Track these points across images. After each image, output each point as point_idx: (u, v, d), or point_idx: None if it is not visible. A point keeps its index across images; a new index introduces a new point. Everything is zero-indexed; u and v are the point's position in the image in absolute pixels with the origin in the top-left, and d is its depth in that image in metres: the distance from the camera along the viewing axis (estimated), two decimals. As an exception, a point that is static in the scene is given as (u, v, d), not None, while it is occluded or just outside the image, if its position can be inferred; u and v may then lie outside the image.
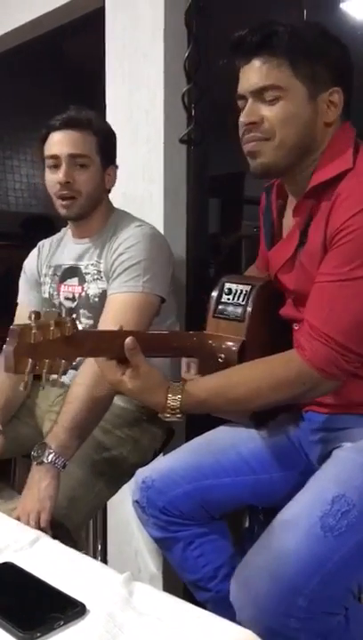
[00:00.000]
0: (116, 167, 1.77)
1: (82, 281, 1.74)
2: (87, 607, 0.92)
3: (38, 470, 1.40)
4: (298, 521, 1.15)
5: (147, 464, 1.64)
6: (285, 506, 1.21)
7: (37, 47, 2.95)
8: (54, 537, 1.31)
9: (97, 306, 1.69)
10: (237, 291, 1.34)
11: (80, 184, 1.66)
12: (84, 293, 1.73)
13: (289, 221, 1.36)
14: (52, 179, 1.67)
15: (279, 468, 1.40)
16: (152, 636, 0.87)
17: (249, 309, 1.31)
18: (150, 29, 2.02)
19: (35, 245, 1.94)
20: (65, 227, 1.88)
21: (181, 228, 2.09)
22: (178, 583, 1.74)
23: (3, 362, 1.00)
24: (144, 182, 2.07)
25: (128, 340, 1.14)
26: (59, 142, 1.65)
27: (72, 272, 1.77)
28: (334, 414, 1.33)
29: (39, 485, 1.38)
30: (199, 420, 1.96)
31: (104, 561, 2.05)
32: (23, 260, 1.94)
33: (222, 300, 1.34)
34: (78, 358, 1.67)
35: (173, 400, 1.18)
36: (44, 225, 2.60)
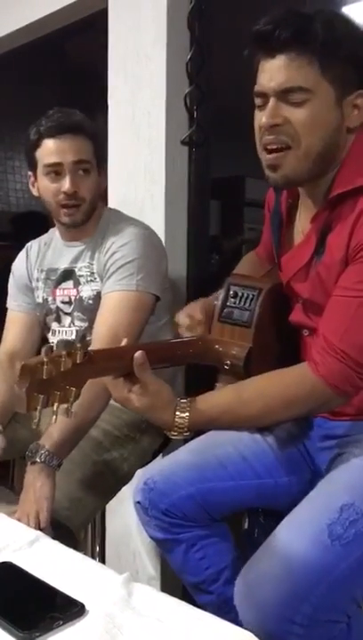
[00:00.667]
0: (106, 167, 1.75)
1: (76, 283, 1.73)
2: (86, 607, 0.92)
3: (32, 470, 1.40)
4: (305, 528, 1.13)
5: (146, 465, 1.64)
6: (291, 510, 1.19)
7: (40, 48, 2.96)
8: (56, 538, 1.32)
9: (91, 308, 1.68)
10: (243, 294, 1.31)
11: (84, 191, 1.64)
12: (78, 296, 1.72)
13: (303, 224, 1.32)
14: (55, 188, 1.63)
15: (284, 473, 1.38)
16: (151, 637, 0.86)
17: (256, 314, 1.28)
18: (153, 31, 2.02)
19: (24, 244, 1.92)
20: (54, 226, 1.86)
21: (182, 230, 2.09)
22: (176, 585, 1.74)
23: (15, 401, 0.98)
24: (146, 183, 2.07)
25: (138, 354, 1.11)
26: (59, 150, 1.61)
27: (67, 275, 1.75)
28: (344, 421, 1.32)
29: (34, 486, 1.38)
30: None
31: (102, 562, 2.05)
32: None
33: (228, 304, 1.31)
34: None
35: (181, 418, 1.16)
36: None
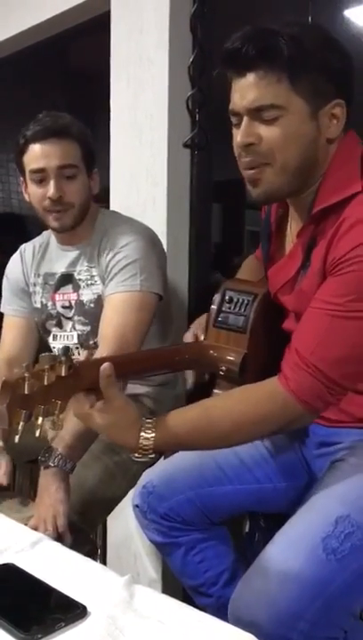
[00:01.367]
0: (97, 170, 1.70)
1: (76, 287, 1.71)
2: (88, 609, 0.91)
3: (45, 475, 1.40)
4: (300, 542, 1.11)
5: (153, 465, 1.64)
6: (287, 521, 1.17)
7: (42, 51, 2.96)
8: (74, 541, 1.32)
9: (92, 311, 1.68)
10: (238, 300, 1.29)
11: (71, 196, 1.61)
12: (78, 300, 1.71)
13: (293, 236, 1.29)
14: (41, 193, 1.60)
15: (283, 479, 1.38)
16: (153, 639, 0.86)
17: (251, 320, 1.27)
18: (155, 34, 2.03)
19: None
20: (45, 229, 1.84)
21: (184, 233, 2.10)
22: (177, 588, 1.74)
23: None
24: (148, 186, 2.07)
25: (105, 365, 1.06)
26: (44, 155, 1.58)
27: (66, 280, 1.74)
28: (338, 428, 1.30)
29: (49, 490, 1.37)
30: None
31: (103, 565, 2.04)
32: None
33: (223, 309, 1.29)
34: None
35: (146, 439, 1.10)
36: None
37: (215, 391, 1.34)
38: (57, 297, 1.75)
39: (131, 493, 1.58)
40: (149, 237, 1.68)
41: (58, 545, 1.15)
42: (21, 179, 1.69)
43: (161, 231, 1.93)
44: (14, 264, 1.85)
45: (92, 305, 1.68)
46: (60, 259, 1.76)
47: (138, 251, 1.60)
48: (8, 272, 1.86)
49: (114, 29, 2.18)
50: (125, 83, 2.14)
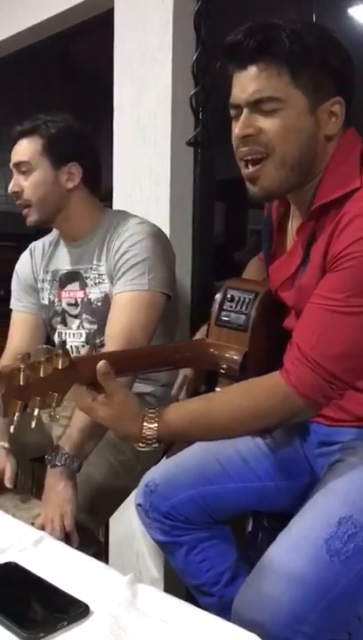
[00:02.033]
0: (75, 164, 1.66)
1: (83, 285, 1.72)
2: (91, 608, 0.91)
3: (53, 474, 1.39)
4: (303, 544, 1.10)
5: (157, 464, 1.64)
6: (289, 522, 1.17)
7: (45, 50, 2.96)
8: (81, 542, 1.32)
9: (99, 310, 1.68)
10: (239, 298, 1.29)
11: (27, 191, 1.64)
12: (86, 298, 1.71)
13: (292, 233, 1.30)
14: None
15: (285, 477, 1.38)
16: (156, 638, 0.86)
17: (252, 318, 1.27)
18: (159, 32, 2.02)
19: None
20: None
21: (187, 231, 2.10)
22: (179, 587, 1.74)
23: None
24: (151, 184, 2.07)
25: (101, 364, 1.08)
26: (11, 156, 1.68)
27: (72, 277, 1.74)
28: (340, 427, 1.30)
29: (56, 490, 1.37)
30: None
31: (105, 563, 2.04)
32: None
33: (225, 308, 1.30)
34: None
35: (149, 429, 1.12)
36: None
37: (217, 389, 1.34)
38: (63, 294, 1.76)
39: (133, 492, 1.57)
40: (158, 236, 1.68)
41: (60, 543, 1.15)
42: None
43: (164, 229, 1.91)
44: (24, 261, 1.87)
45: (99, 304, 1.68)
46: (66, 256, 1.77)
47: (147, 250, 1.60)
48: (18, 269, 1.88)
49: (117, 28, 2.18)
50: (129, 81, 2.13)
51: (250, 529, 1.60)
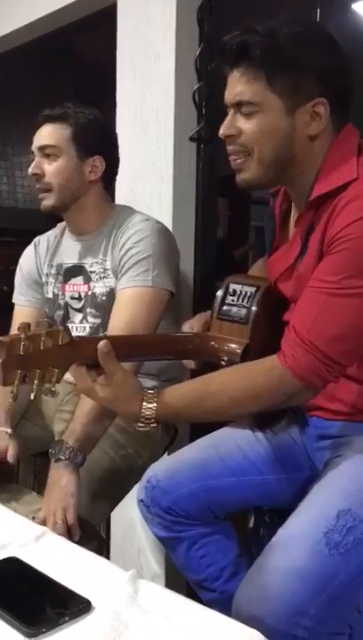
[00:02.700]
0: (100, 158, 1.68)
1: (87, 279, 1.72)
2: (92, 604, 0.91)
3: (57, 468, 1.40)
4: (302, 538, 1.11)
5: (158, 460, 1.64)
6: (289, 517, 1.17)
7: (49, 44, 2.95)
8: (82, 536, 1.33)
9: (104, 304, 1.68)
10: (241, 292, 1.31)
11: (49, 175, 1.64)
12: (90, 292, 1.71)
13: (292, 230, 1.33)
14: None
15: (286, 471, 1.38)
16: (158, 634, 0.86)
17: (253, 312, 1.28)
18: (162, 27, 2.02)
19: None
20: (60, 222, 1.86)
21: (189, 227, 2.09)
22: (181, 583, 1.74)
23: None
24: (154, 180, 2.07)
25: (102, 343, 1.10)
26: (35, 139, 1.67)
27: (76, 271, 1.75)
28: (339, 421, 1.31)
29: (59, 484, 1.38)
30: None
31: (106, 559, 2.05)
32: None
33: (227, 301, 1.31)
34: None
35: (148, 409, 1.14)
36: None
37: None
38: (67, 287, 1.76)
39: (135, 488, 1.58)
40: (163, 233, 1.68)
41: (62, 539, 1.15)
42: None
43: (167, 225, 1.91)
44: (28, 255, 1.87)
45: (103, 298, 1.68)
46: (72, 249, 1.77)
47: (152, 246, 1.61)
48: (22, 263, 1.88)
49: (120, 22, 2.17)
50: (132, 76, 2.13)
51: (251, 525, 1.60)
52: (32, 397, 1.03)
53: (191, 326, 1.38)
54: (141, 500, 1.43)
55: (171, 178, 2.02)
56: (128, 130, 2.12)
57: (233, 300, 1.30)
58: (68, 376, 1.77)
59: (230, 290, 1.32)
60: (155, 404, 1.14)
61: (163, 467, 1.44)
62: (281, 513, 1.25)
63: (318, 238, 1.16)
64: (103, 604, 0.91)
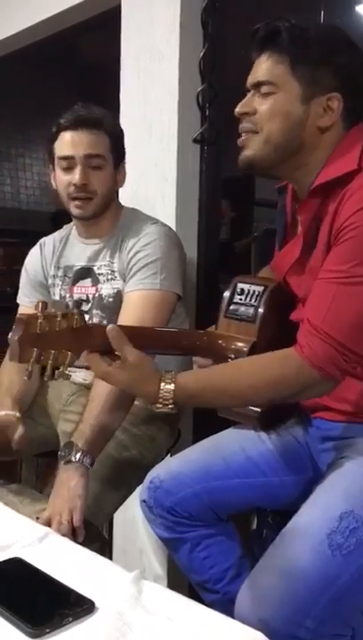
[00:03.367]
0: (125, 164, 1.74)
1: (95, 282, 1.72)
2: (96, 604, 0.91)
3: (66, 469, 1.40)
4: (305, 539, 1.11)
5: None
6: (292, 519, 1.18)
7: (53, 46, 2.96)
8: (85, 537, 1.32)
9: (111, 306, 1.68)
10: (249, 291, 1.31)
11: (95, 185, 1.64)
12: (97, 294, 1.71)
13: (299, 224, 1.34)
14: (66, 180, 1.64)
15: (289, 472, 1.38)
16: (161, 635, 0.86)
17: (261, 311, 1.28)
18: (166, 28, 2.02)
19: None
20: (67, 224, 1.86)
21: (193, 228, 2.09)
22: (183, 584, 1.74)
23: (8, 350, 1.00)
24: (157, 181, 2.07)
25: (110, 327, 1.11)
26: (73, 143, 1.62)
27: (85, 273, 1.75)
28: (343, 422, 1.31)
29: (68, 484, 1.37)
30: (207, 422, 1.96)
31: (109, 559, 2.04)
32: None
33: (234, 301, 1.32)
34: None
35: (167, 391, 1.13)
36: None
37: None
38: (75, 289, 1.76)
39: (137, 489, 1.58)
40: (171, 237, 1.69)
41: (65, 540, 1.15)
42: (50, 166, 1.72)
43: (170, 227, 1.92)
44: (34, 257, 1.87)
45: (110, 299, 1.69)
46: (81, 252, 1.77)
47: (159, 250, 1.62)
48: (27, 264, 1.88)
49: (124, 23, 2.17)
50: (135, 77, 2.13)
51: (254, 526, 1.60)
52: (45, 379, 1.03)
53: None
54: (144, 501, 1.43)
55: (174, 179, 2.03)
56: (132, 131, 2.12)
57: (241, 299, 1.31)
58: (73, 376, 1.79)
59: (238, 289, 1.33)
60: (173, 386, 1.13)
61: (166, 468, 1.44)
62: (284, 514, 1.25)
63: (326, 230, 1.18)
64: (107, 604, 0.92)
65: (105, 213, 1.71)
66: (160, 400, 1.14)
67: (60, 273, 1.80)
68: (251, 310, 1.29)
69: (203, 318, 2.03)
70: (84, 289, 1.74)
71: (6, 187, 4.20)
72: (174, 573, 2.05)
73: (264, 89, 1.21)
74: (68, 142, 1.63)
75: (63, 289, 1.78)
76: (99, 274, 1.71)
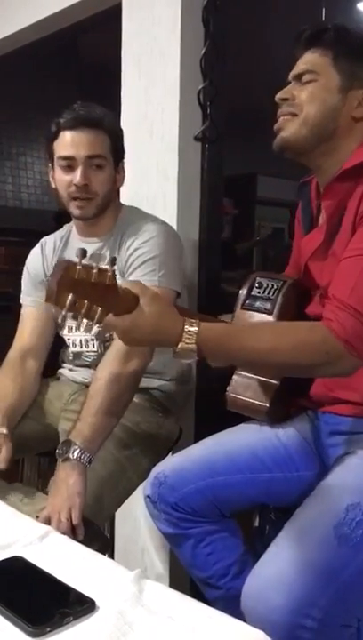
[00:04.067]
0: (124, 163, 1.74)
1: None
2: (97, 603, 0.91)
3: (64, 467, 1.40)
4: (311, 530, 1.12)
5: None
6: (297, 510, 1.19)
7: (53, 45, 2.96)
8: (86, 535, 1.32)
9: None
10: (267, 285, 1.34)
11: (96, 185, 1.64)
12: None
13: (323, 211, 1.36)
14: (67, 179, 1.64)
15: (295, 468, 1.38)
16: (162, 635, 0.86)
17: (278, 303, 1.30)
18: (167, 27, 2.01)
19: None
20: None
21: (194, 227, 2.09)
22: (184, 583, 1.74)
23: (45, 293, 0.99)
24: (158, 180, 2.07)
25: (136, 280, 1.13)
26: (74, 143, 1.62)
27: None
28: (351, 417, 1.31)
29: (67, 482, 1.37)
30: (209, 420, 1.96)
31: (111, 558, 2.04)
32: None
33: (252, 294, 1.33)
34: (98, 355, 1.68)
35: (190, 332, 1.07)
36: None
37: (234, 377, 1.37)
38: None
39: (139, 488, 1.58)
40: (170, 235, 1.69)
41: (66, 538, 1.15)
42: (50, 165, 1.72)
43: (171, 225, 1.92)
44: (35, 257, 1.87)
45: None
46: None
47: (158, 247, 1.62)
48: (28, 264, 1.88)
49: (125, 22, 2.17)
50: (137, 75, 2.13)
51: (257, 523, 1.60)
52: (82, 329, 1.02)
53: None
54: (148, 497, 1.43)
55: (176, 178, 2.02)
56: (133, 130, 2.12)
57: (259, 292, 1.33)
58: (73, 375, 1.79)
59: (257, 283, 1.35)
60: (197, 328, 1.08)
61: (170, 463, 1.45)
62: (287, 511, 1.25)
63: (352, 214, 1.21)
64: (108, 603, 0.91)
65: (105, 213, 1.71)
66: (183, 339, 1.08)
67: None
68: (268, 304, 1.31)
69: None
70: None
71: (8, 185, 4.20)
72: (176, 572, 2.05)
73: (306, 77, 1.30)
74: (68, 142, 1.62)
75: None
76: None
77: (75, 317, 1.00)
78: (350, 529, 1.10)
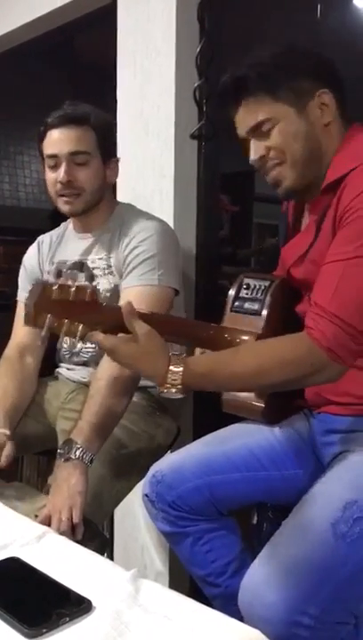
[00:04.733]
0: (118, 159, 1.75)
1: (89, 276, 1.72)
2: (93, 604, 0.91)
3: (66, 467, 1.40)
4: (309, 527, 1.12)
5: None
6: (294, 508, 1.19)
7: (49, 43, 2.95)
8: (85, 534, 1.32)
9: (108, 300, 1.67)
10: (255, 286, 1.33)
11: (82, 182, 1.65)
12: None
13: (306, 215, 1.37)
14: (52, 177, 1.66)
15: (291, 466, 1.39)
16: (159, 635, 0.86)
17: (266, 304, 1.30)
18: (162, 24, 2.01)
19: None
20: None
21: (191, 224, 2.09)
22: (184, 580, 1.74)
23: (23, 316, 1.02)
24: (155, 178, 2.06)
25: (125, 304, 1.11)
26: (58, 141, 1.63)
27: (77, 268, 1.75)
28: (347, 416, 1.32)
29: (68, 482, 1.38)
30: (206, 419, 1.96)
31: (110, 557, 2.05)
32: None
33: (240, 295, 1.33)
34: (96, 352, 1.68)
35: (174, 373, 1.09)
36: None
37: None
38: None
39: (139, 486, 1.58)
40: (167, 232, 1.70)
41: (63, 539, 1.15)
42: (42, 164, 1.73)
43: (168, 223, 1.91)
44: (31, 253, 1.89)
45: (108, 294, 1.69)
46: (74, 247, 1.78)
47: (157, 245, 1.63)
48: (25, 261, 1.90)
49: (120, 19, 2.17)
50: (132, 73, 2.12)
51: (255, 521, 1.60)
52: (57, 346, 1.05)
53: None
54: (146, 495, 1.43)
55: (172, 175, 2.02)
56: (129, 127, 2.12)
57: (247, 294, 1.33)
58: (71, 374, 1.79)
59: (244, 284, 1.35)
60: (181, 368, 1.10)
61: (168, 462, 1.45)
62: (284, 509, 1.25)
63: (330, 220, 1.20)
64: (104, 603, 0.91)
65: (97, 208, 1.72)
66: (169, 380, 1.10)
67: (54, 268, 1.80)
68: (256, 304, 1.31)
69: (202, 314, 2.03)
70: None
71: (5, 184, 4.19)
72: (176, 570, 2.06)
73: (265, 127, 1.25)
74: (53, 141, 1.64)
75: None
76: (93, 268, 1.72)
77: (56, 336, 1.03)
78: (348, 526, 1.09)
